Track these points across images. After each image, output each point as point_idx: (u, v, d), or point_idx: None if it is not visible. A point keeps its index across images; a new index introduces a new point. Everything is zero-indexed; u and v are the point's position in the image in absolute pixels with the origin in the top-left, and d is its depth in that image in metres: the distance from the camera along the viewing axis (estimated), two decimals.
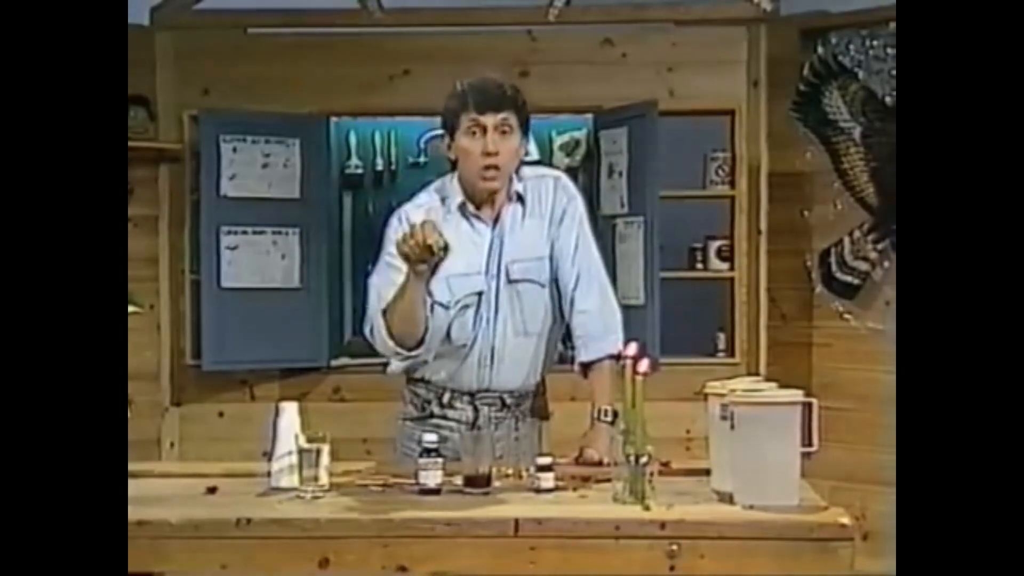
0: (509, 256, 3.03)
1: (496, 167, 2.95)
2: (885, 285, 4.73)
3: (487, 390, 3.06)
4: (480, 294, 3.02)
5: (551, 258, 3.05)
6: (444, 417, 3.06)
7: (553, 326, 3.09)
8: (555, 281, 3.06)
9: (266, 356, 4.98)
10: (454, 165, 3.06)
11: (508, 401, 3.07)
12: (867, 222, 4.79)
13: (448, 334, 3.02)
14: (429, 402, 3.09)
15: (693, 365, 4.74)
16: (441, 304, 2.99)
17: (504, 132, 2.95)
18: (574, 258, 3.06)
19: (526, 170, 3.12)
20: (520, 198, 3.05)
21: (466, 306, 3.01)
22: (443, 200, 3.06)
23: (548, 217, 3.06)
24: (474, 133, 2.95)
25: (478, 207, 3.04)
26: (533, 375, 3.09)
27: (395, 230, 2.98)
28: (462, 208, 3.03)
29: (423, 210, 3.03)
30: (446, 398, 3.08)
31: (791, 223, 4.98)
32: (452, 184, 3.06)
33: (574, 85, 5.01)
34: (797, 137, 4.91)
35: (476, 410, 3.06)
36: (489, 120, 2.94)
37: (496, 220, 3.04)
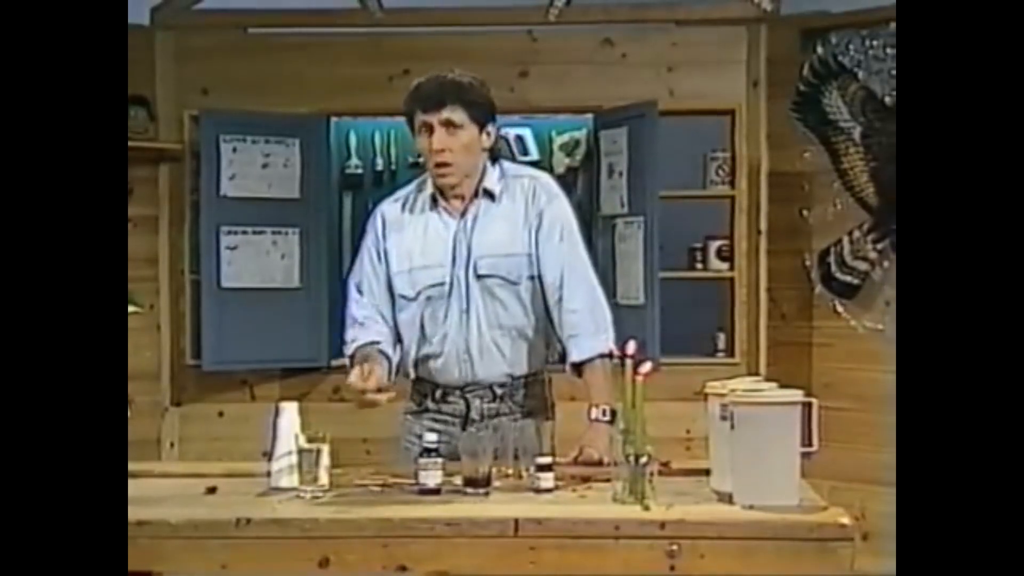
0: (477, 251, 3.06)
1: (446, 163, 3.01)
2: (885, 285, 4.73)
3: (475, 383, 3.08)
4: (443, 285, 3.06)
5: (531, 257, 3.07)
6: (439, 411, 3.11)
7: (535, 322, 3.09)
8: (539, 279, 3.07)
9: (266, 356, 4.98)
10: None
11: (499, 392, 3.09)
12: (867, 222, 4.79)
13: (422, 328, 3.08)
14: (426, 396, 3.14)
15: (693, 365, 4.74)
16: (405, 296, 3.09)
17: (452, 128, 2.99)
18: (558, 257, 3.06)
19: (508, 168, 3.16)
20: (489, 194, 3.08)
21: (430, 297, 3.07)
22: (419, 192, 3.15)
23: (523, 216, 3.08)
24: (424, 132, 3.02)
25: (445, 197, 3.09)
26: (518, 366, 3.09)
27: (372, 225, 3.17)
28: (433, 200, 3.10)
29: (399, 203, 3.17)
30: (438, 393, 3.11)
31: (791, 223, 4.98)
32: (429, 178, 3.12)
33: (574, 85, 5.01)
34: (797, 137, 4.91)
35: (468, 403, 3.08)
36: (433, 118, 3.00)
37: (463, 214, 3.08)
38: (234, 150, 4.94)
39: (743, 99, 5.00)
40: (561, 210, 3.11)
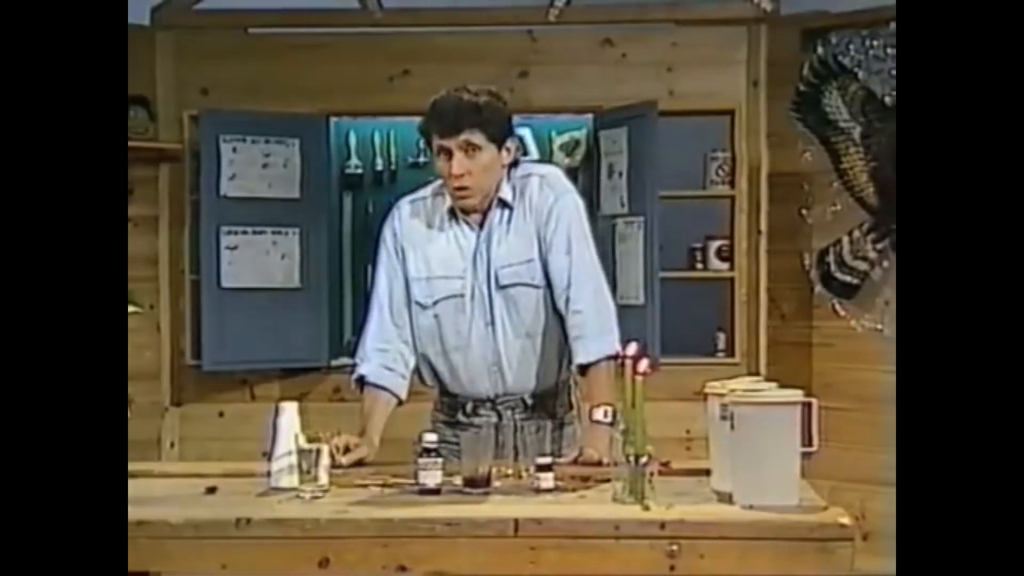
0: (498, 262, 3.02)
1: (465, 187, 2.96)
2: (885, 285, 4.73)
3: (507, 394, 3.06)
4: (461, 297, 3.03)
5: (542, 257, 3.03)
6: (472, 424, 3.07)
7: (553, 324, 3.05)
8: (547, 279, 3.03)
9: (266, 356, 4.99)
10: None
11: (530, 402, 3.07)
12: (867, 222, 4.79)
13: (442, 340, 3.05)
14: (456, 409, 3.11)
15: (693, 365, 4.74)
16: (420, 304, 3.07)
17: (471, 150, 2.93)
18: (565, 255, 3.02)
19: (516, 169, 3.09)
20: (505, 204, 3.04)
21: (441, 311, 3.04)
22: (436, 199, 3.09)
23: (534, 217, 3.03)
24: (442, 155, 2.96)
25: (465, 212, 3.05)
26: (547, 374, 3.07)
27: (390, 223, 3.13)
28: (451, 212, 3.06)
29: (417, 205, 3.12)
30: (469, 407, 3.09)
31: (791, 223, 4.98)
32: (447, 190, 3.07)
33: (574, 85, 5.02)
34: (797, 137, 4.92)
35: (500, 416, 3.07)
36: (452, 143, 2.93)
37: (482, 225, 3.05)
38: (234, 150, 4.94)
39: (743, 99, 5.01)
40: (568, 207, 3.05)
